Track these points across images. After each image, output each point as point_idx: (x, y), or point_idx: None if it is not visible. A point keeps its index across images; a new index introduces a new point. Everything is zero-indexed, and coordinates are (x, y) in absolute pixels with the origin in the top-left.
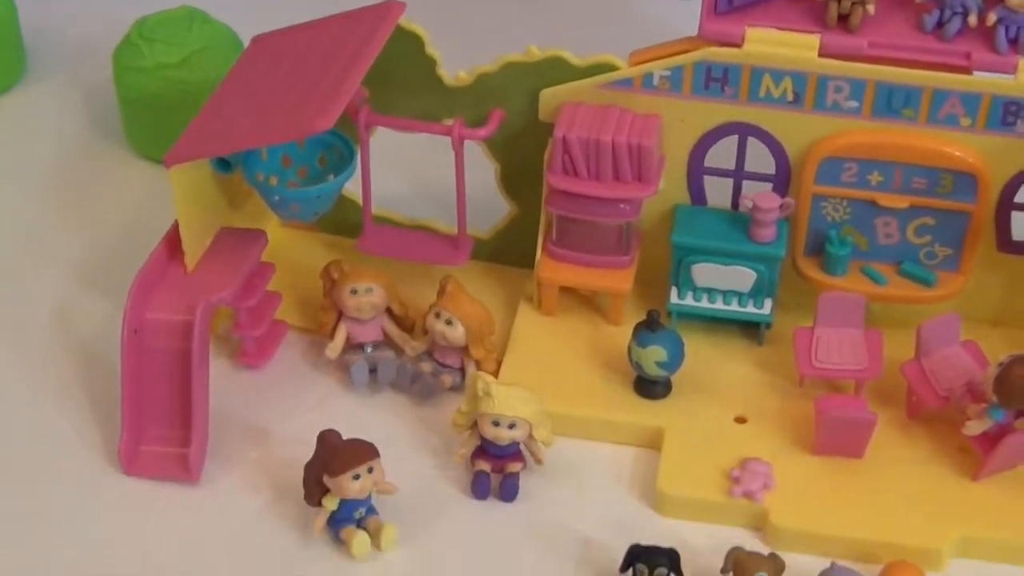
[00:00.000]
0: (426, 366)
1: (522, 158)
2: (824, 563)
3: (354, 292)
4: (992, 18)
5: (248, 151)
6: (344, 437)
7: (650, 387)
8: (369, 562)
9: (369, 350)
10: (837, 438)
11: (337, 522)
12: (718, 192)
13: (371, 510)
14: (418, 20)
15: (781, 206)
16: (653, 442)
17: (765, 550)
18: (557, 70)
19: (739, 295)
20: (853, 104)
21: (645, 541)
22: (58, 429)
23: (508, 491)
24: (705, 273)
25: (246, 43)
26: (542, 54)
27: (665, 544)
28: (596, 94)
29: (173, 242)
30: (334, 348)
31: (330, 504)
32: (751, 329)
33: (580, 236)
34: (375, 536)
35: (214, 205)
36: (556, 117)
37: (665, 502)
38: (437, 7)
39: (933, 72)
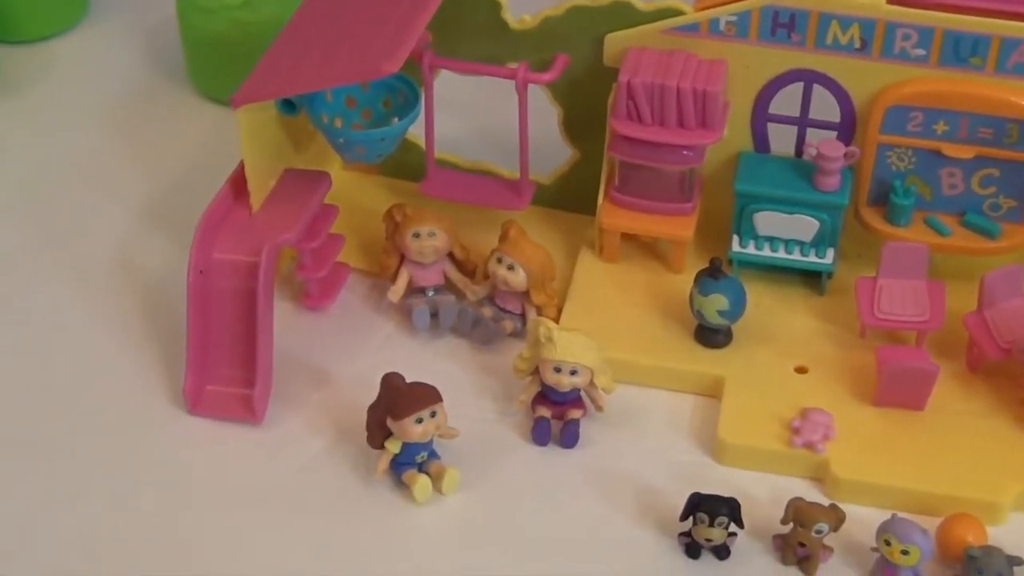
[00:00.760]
0: (487, 311)
1: (585, 103)
2: (884, 515)
3: (416, 236)
4: None
5: (313, 93)
6: (407, 379)
7: (711, 335)
8: (430, 506)
9: (431, 294)
10: (898, 389)
11: (399, 465)
12: (782, 140)
13: (433, 454)
14: None
15: (845, 155)
16: (713, 391)
17: (825, 501)
18: (622, 14)
19: (801, 244)
20: (920, 52)
21: (705, 490)
22: (122, 369)
23: (568, 437)
24: (768, 221)
25: None
26: None
27: (725, 493)
28: (661, 39)
29: (238, 183)
30: (396, 292)
31: (392, 447)
32: (813, 278)
33: (642, 183)
34: (437, 480)
35: (279, 146)
36: (621, 62)
37: (725, 451)
38: None
39: (1002, 20)
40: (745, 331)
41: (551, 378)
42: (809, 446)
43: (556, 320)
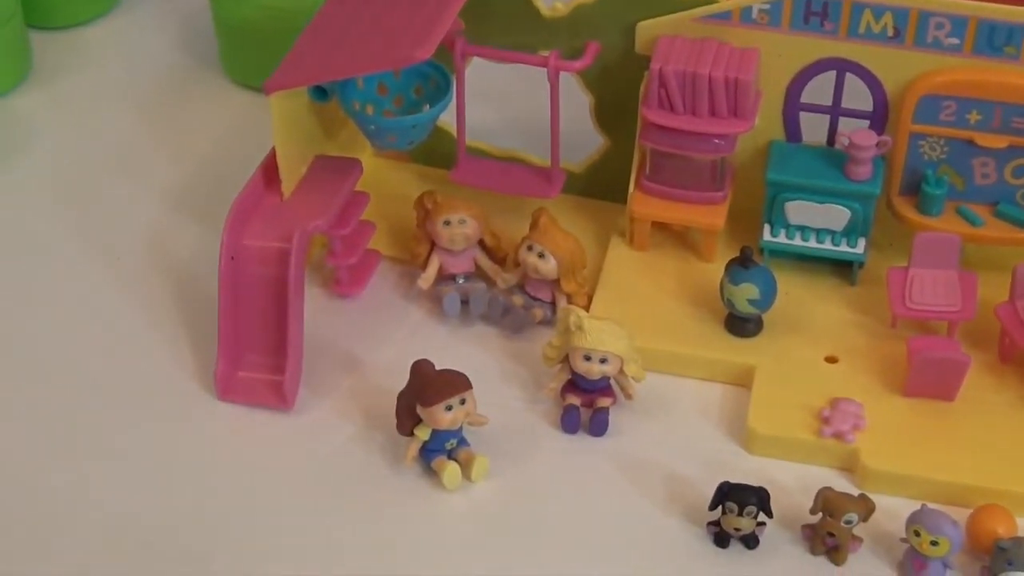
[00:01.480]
0: (517, 299)
1: (617, 91)
2: (914, 505)
3: (447, 223)
4: None
5: (345, 79)
6: (436, 367)
7: (741, 325)
8: (459, 493)
9: (461, 281)
10: (929, 380)
11: (428, 452)
12: (814, 129)
13: (462, 441)
14: None
15: (878, 144)
16: (743, 380)
17: (855, 491)
18: (655, 2)
19: (833, 233)
20: (954, 41)
21: (734, 479)
22: (154, 354)
23: (598, 426)
24: (799, 210)
25: None
26: None
27: (754, 483)
28: (693, 27)
29: (270, 169)
30: (426, 279)
31: (422, 434)
32: (844, 268)
33: (674, 171)
34: (466, 467)
35: (310, 133)
36: (653, 50)
37: (754, 440)
38: None
39: None
40: (776, 320)
41: (581, 366)
42: (839, 436)
43: (586, 308)
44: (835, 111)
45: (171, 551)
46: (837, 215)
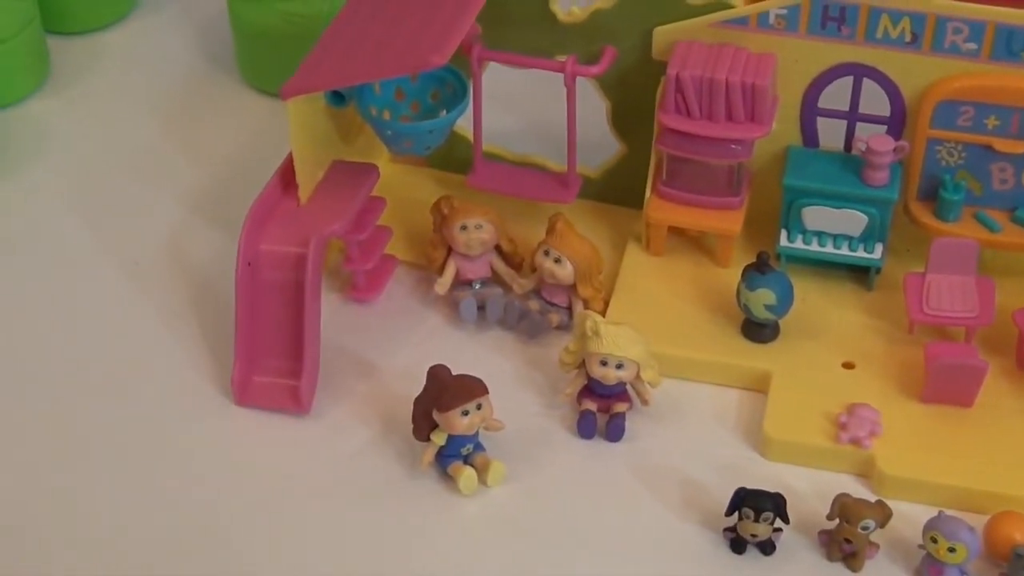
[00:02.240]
0: (534, 304)
1: (634, 96)
2: (931, 512)
3: (464, 228)
4: None
5: (362, 85)
6: (453, 372)
7: (758, 330)
8: (475, 498)
9: (477, 287)
10: (947, 386)
11: (445, 457)
12: (831, 134)
13: (478, 446)
14: None
15: (895, 149)
16: (760, 385)
17: (872, 497)
18: (671, 7)
19: (850, 239)
20: (972, 46)
21: (751, 485)
22: (171, 359)
23: (614, 431)
24: (816, 216)
25: None
26: None
27: (771, 489)
28: (710, 32)
29: (287, 174)
30: (443, 284)
31: (438, 439)
32: (861, 274)
33: (690, 176)
34: (482, 472)
35: (327, 138)
36: (669, 55)
37: (771, 446)
38: None
39: None
40: (792, 326)
41: (597, 371)
42: (856, 442)
43: (603, 313)
44: (852, 116)
45: (188, 554)
46: (854, 220)
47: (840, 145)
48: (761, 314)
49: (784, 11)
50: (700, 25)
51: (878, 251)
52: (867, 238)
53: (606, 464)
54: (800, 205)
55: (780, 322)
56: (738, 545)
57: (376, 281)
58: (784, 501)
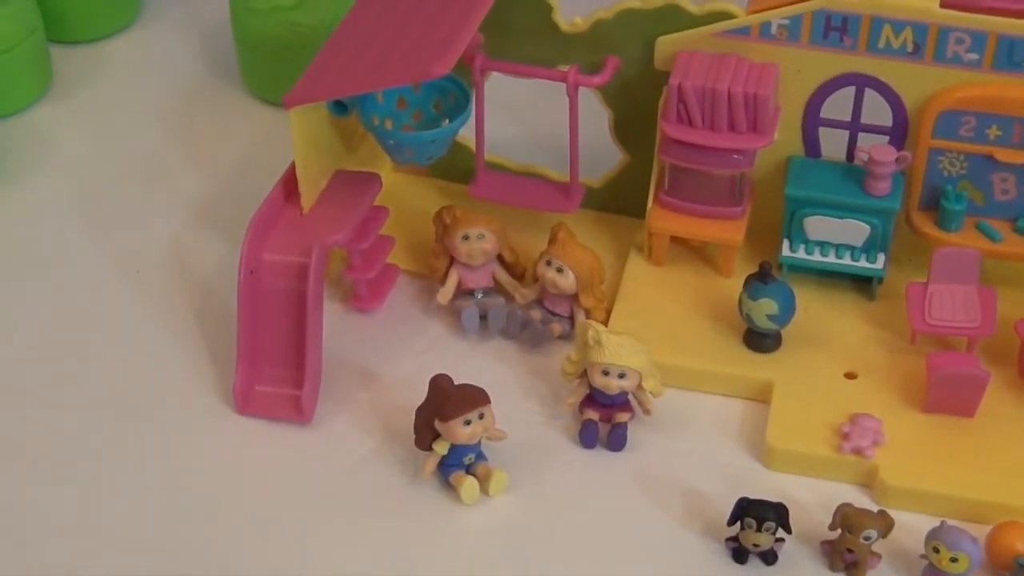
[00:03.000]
0: (536, 314)
1: (636, 106)
2: (933, 522)
3: (466, 238)
4: None
5: (365, 94)
6: (455, 381)
7: (760, 340)
8: (477, 507)
9: (479, 296)
10: (949, 396)
11: (446, 467)
12: (833, 144)
13: (480, 456)
14: None
15: (897, 159)
16: (762, 395)
17: (874, 507)
18: (674, 17)
19: (852, 249)
20: (974, 56)
21: (753, 495)
22: (173, 367)
23: (616, 441)
24: (818, 226)
25: None
26: (659, 1)
27: (773, 498)
28: (713, 42)
29: (289, 184)
30: (445, 293)
31: (440, 448)
32: (863, 284)
33: (693, 186)
34: (484, 482)
35: (330, 147)
36: (672, 65)
37: (773, 456)
38: None
39: None
40: (794, 336)
41: (599, 381)
42: (858, 452)
43: (605, 323)
44: (854, 126)
45: (189, 564)
46: (856, 230)
47: (842, 155)
48: (763, 324)
49: (786, 21)
50: (702, 35)
51: (880, 261)
52: (869, 248)
53: (608, 473)
54: (802, 215)
55: (782, 332)
56: (740, 555)
57: (378, 290)
58: (786, 511)
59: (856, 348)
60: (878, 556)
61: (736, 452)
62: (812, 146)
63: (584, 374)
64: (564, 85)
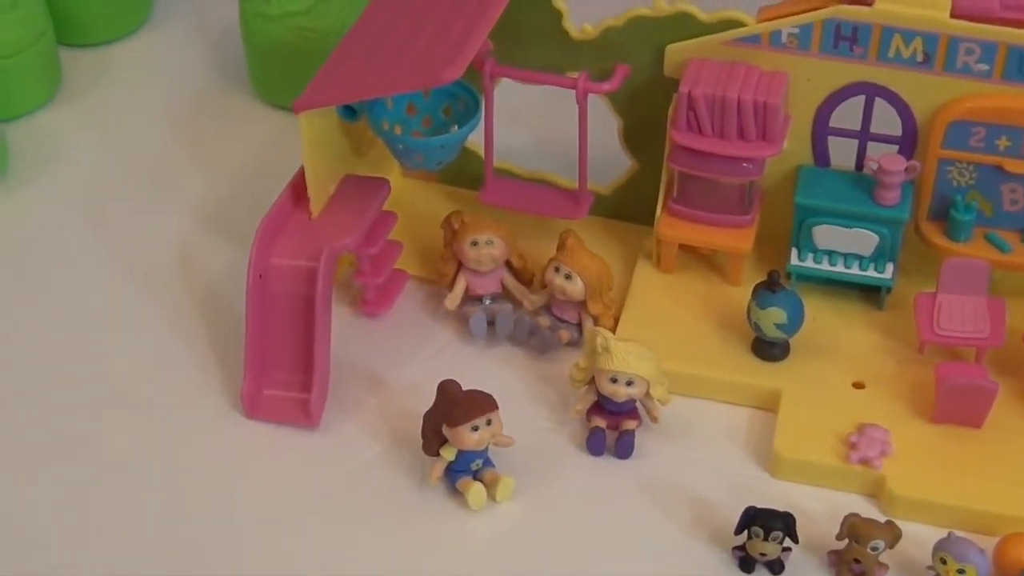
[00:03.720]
0: (544, 320)
1: (645, 114)
2: (940, 533)
3: (474, 244)
4: None
5: (374, 99)
6: (463, 387)
7: (768, 349)
8: (484, 513)
9: (488, 302)
10: (957, 406)
11: (454, 473)
12: (842, 153)
13: (488, 462)
14: None
15: (907, 169)
16: (769, 404)
17: (881, 517)
18: (684, 25)
19: (860, 258)
20: (984, 67)
21: (760, 504)
22: (181, 371)
23: (623, 448)
24: (827, 235)
25: None
26: (669, 9)
27: (780, 508)
28: (723, 50)
29: (298, 188)
30: (453, 299)
31: (448, 454)
32: (871, 293)
33: (702, 194)
34: (491, 488)
35: (339, 152)
36: (682, 73)
37: (780, 465)
38: None
39: None
40: (803, 345)
41: (607, 388)
42: (866, 462)
43: (613, 330)
44: (864, 136)
45: (195, 565)
46: (865, 240)
47: (851, 164)
48: (771, 333)
49: (796, 30)
50: (712, 43)
51: (889, 271)
52: (878, 257)
53: (615, 481)
54: (811, 224)
55: (790, 341)
56: (747, 564)
57: (386, 295)
58: (794, 521)
59: (864, 358)
60: (885, 567)
61: (743, 461)
62: (821, 155)
63: (592, 381)
64: (573, 92)
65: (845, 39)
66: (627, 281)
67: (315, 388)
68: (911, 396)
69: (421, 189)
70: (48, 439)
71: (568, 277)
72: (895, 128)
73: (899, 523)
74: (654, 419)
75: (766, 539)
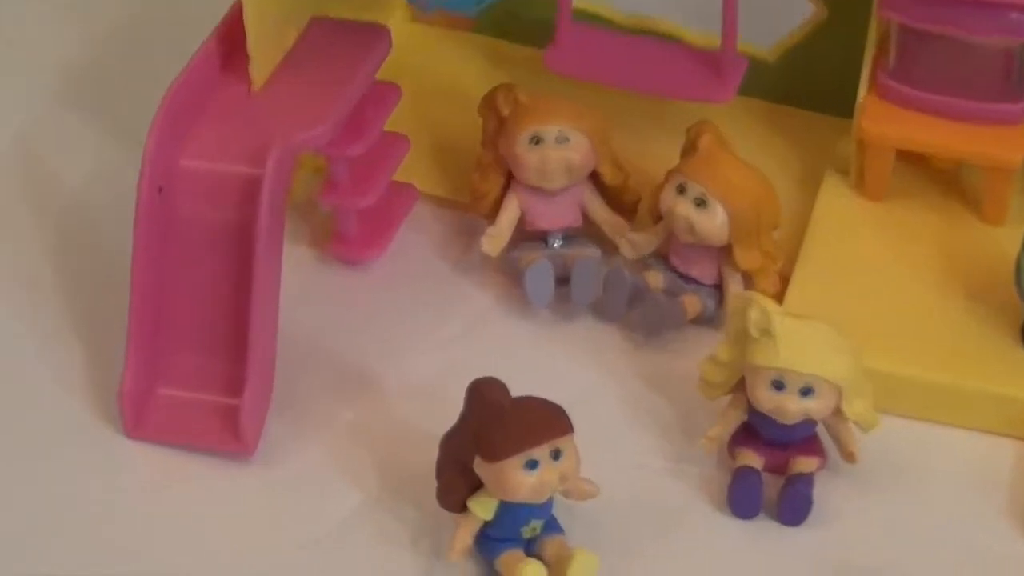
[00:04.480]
0: (655, 278)
1: None
2: None
3: (536, 140)
4: None
5: None
6: (512, 393)
7: None
8: None
9: (557, 244)
10: None
11: (492, 542)
12: None
13: (552, 525)
14: None
15: None
16: None
17: None
18: None
19: None
20: None
21: None
22: (20, 366)
23: (794, 506)
24: None
25: None
26: None
27: None
28: None
29: (228, 38)
30: (496, 238)
31: (481, 510)
32: None
33: (938, 65)
34: (557, 568)
35: None
36: None
37: None
38: None
39: None
40: None
41: (767, 399)
42: None
43: (779, 299)
44: None
45: None
46: None
47: None
48: None
49: None
50: None
51: None
52: None
53: (778, 561)
54: None
55: None
56: None
57: (378, 230)
58: None
59: None
60: None
61: (1004, 526)
62: None
63: (739, 386)
64: None
65: None
66: (805, 213)
67: (249, 388)
68: None
69: (442, 43)
70: None
71: (701, 203)
72: None
73: None
74: (848, 455)
75: None
